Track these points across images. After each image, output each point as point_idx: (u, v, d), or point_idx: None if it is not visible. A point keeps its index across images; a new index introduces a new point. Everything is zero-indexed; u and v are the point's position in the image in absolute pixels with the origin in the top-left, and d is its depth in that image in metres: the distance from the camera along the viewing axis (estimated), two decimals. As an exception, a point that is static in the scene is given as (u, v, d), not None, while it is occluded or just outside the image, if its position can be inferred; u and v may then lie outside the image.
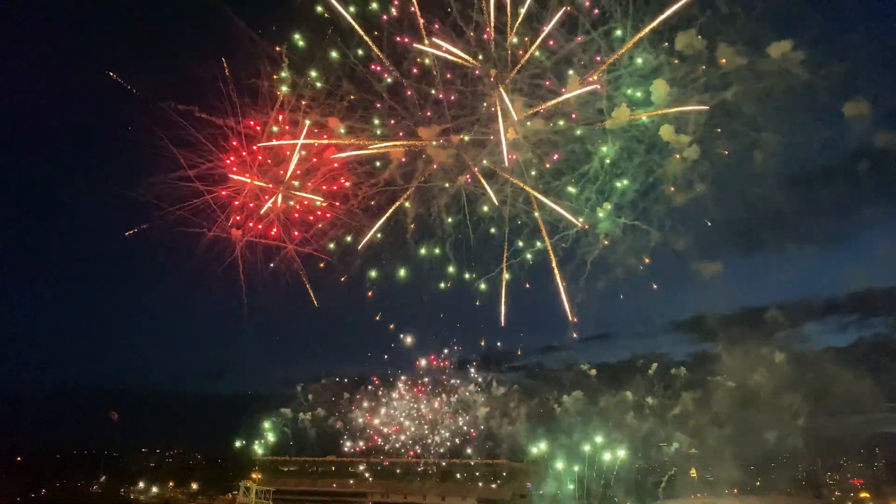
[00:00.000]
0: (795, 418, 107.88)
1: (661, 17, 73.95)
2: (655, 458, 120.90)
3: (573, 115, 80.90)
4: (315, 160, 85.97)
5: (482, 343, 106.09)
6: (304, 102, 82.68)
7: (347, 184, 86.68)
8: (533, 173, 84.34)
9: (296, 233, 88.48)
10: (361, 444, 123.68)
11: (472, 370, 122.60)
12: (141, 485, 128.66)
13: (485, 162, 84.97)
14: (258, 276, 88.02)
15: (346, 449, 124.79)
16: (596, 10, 76.34)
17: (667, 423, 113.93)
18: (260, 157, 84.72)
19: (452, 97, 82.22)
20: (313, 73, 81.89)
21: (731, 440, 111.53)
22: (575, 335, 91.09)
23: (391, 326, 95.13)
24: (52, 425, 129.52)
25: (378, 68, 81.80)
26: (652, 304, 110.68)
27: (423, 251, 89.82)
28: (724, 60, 74.44)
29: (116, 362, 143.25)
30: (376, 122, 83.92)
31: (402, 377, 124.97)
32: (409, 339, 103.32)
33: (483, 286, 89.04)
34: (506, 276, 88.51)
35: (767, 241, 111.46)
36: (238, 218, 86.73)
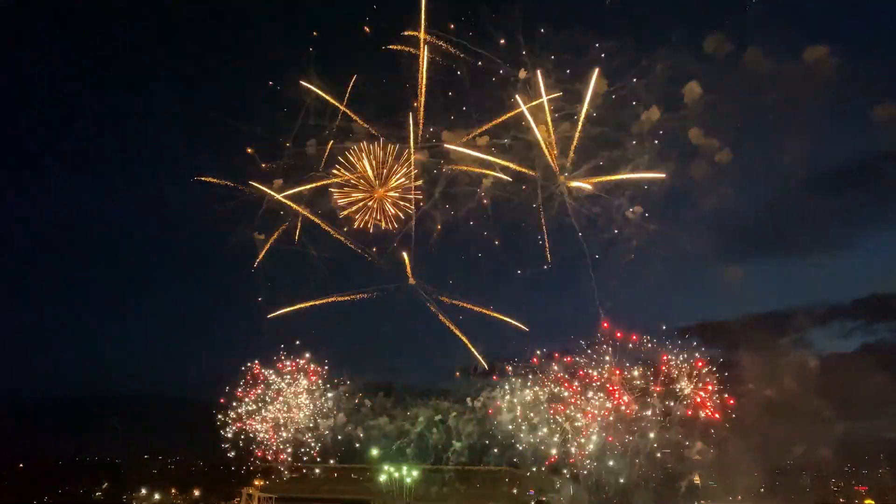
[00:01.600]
0: (800, 425, 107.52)
1: None
2: (658, 465, 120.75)
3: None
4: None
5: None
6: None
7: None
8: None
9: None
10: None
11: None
12: (143, 491, 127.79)
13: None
14: (279, 280, 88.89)
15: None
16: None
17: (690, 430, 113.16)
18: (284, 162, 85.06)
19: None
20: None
21: (734, 447, 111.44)
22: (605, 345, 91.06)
23: None
24: (54, 432, 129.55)
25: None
26: (653, 309, 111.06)
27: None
28: (753, 64, 74.19)
29: (119, 369, 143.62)
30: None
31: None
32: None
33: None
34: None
35: (771, 247, 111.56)
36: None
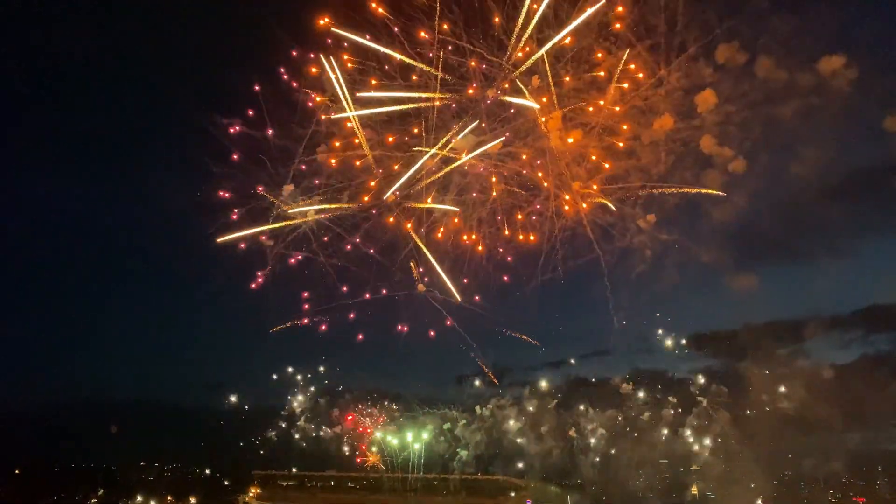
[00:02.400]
0: (798, 436, 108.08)
1: None
2: (657, 476, 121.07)
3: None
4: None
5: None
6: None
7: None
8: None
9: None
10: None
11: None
12: (139, 498, 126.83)
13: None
14: (285, 285, 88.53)
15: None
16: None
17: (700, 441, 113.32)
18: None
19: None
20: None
21: (732, 457, 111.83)
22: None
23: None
24: (50, 438, 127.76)
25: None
26: (651, 318, 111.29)
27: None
28: (764, 74, 74.68)
29: (115, 375, 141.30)
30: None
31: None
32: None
33: None
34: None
35: (769, 256, 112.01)
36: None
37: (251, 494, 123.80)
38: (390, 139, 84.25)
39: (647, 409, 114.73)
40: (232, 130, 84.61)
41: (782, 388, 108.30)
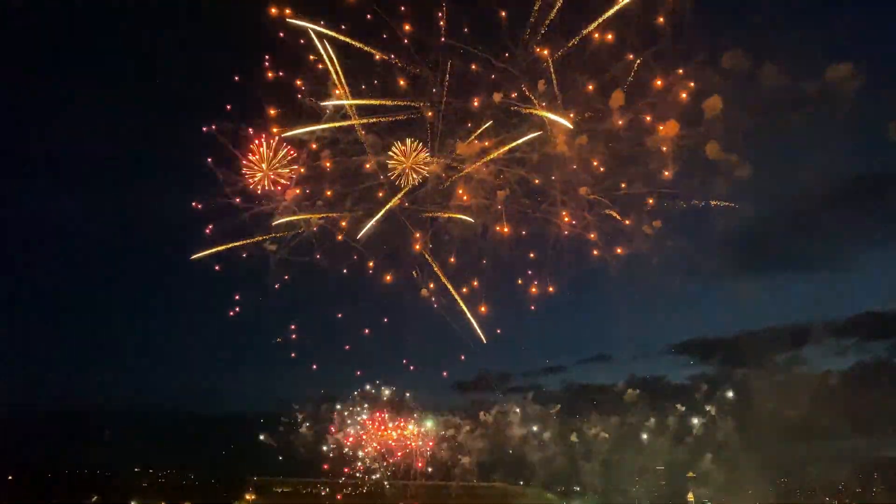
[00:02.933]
0: (794, 442, 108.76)
1: None
2: (655, 482, 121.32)
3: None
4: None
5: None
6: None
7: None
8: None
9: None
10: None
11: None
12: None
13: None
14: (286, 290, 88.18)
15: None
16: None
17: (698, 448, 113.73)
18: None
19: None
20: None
21: (728, 464, 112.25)
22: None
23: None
24: (44, 444, 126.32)
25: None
26: (649, 325, 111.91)
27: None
28: (769, 81, 74.90)
29: (110, 380, 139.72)
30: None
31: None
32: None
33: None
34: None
35: (769, 263, 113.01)
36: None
37: (245, 500, 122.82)
38: (366, 166, 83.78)
39: (648, 415, 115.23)
40: (234, 133, 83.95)
41: (778, 396, 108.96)
